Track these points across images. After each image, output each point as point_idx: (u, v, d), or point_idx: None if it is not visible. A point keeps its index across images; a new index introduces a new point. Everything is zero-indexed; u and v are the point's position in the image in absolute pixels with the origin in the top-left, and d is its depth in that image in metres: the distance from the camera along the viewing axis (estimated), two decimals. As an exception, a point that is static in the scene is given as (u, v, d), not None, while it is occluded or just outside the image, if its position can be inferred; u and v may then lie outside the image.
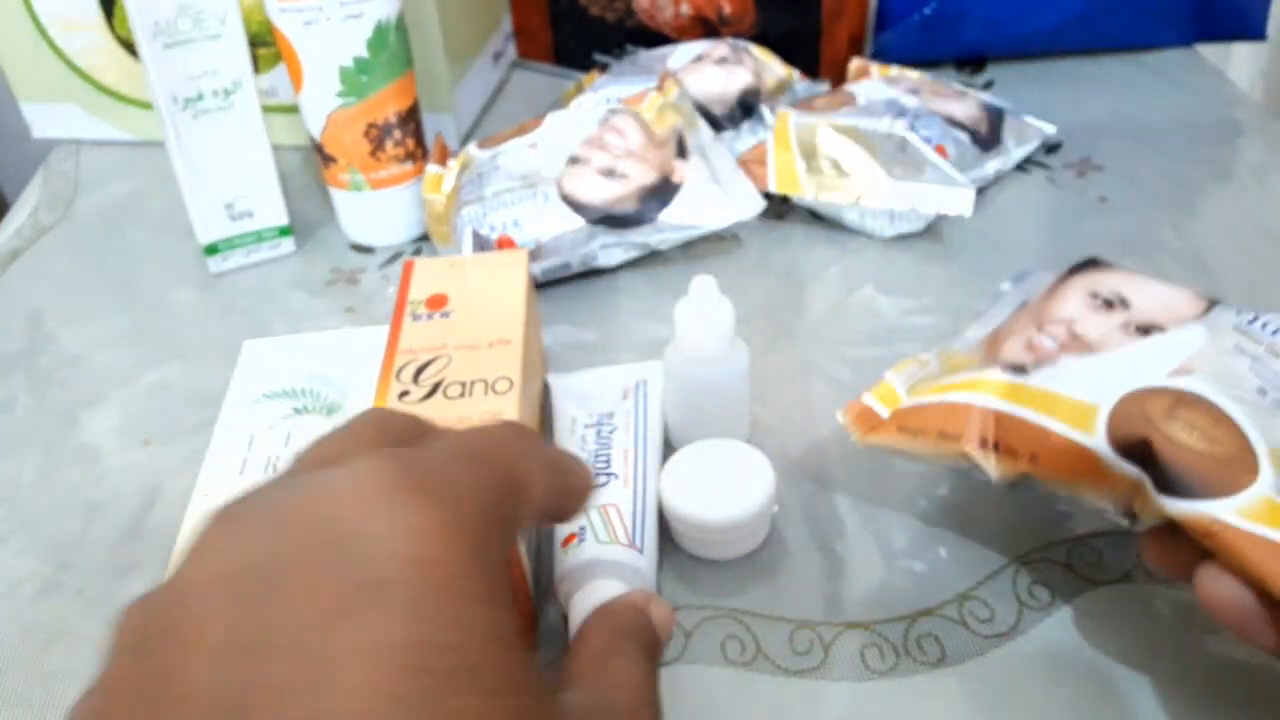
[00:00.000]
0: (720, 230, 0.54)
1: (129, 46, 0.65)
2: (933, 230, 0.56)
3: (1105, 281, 0.38)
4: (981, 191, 0.59)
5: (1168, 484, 0.31)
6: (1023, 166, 0.61)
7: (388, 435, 0.23)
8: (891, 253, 0.55)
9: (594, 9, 0.70)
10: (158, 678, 0.18)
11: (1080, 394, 0.33)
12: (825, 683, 0.35)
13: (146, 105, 0.67)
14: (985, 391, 0.35)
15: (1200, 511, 0.30)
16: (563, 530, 0.38)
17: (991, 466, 0.35)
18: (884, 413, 0.37)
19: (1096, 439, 0.32)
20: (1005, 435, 0.34)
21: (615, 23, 0.70)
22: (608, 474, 0.40)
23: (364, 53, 0.52)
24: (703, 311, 0.40)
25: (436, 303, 0.43)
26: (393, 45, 0.53)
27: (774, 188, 0.55)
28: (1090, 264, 0.40)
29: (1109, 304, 0.36)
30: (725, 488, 0.38)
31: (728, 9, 0.67)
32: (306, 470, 0.22)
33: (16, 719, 0.36)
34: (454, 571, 0.18)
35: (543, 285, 0.54)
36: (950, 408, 0.36)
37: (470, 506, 0.20)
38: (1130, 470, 0.32)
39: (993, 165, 0.58)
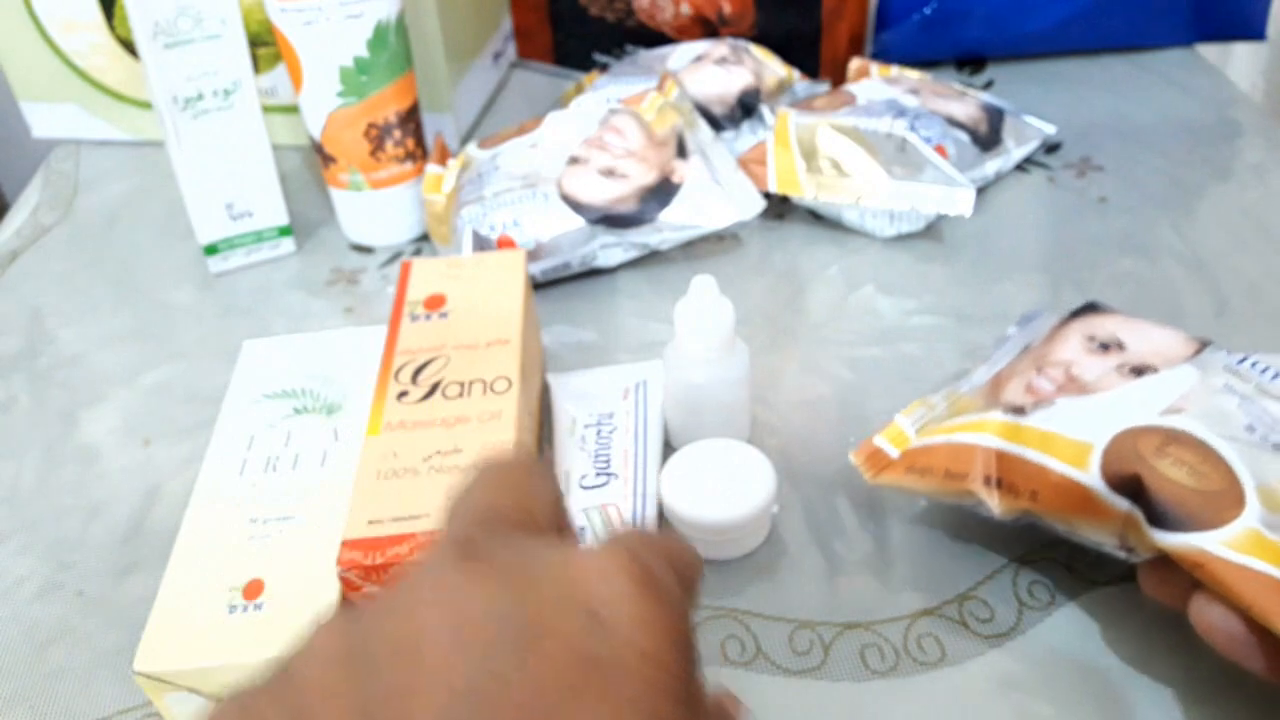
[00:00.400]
0: (720, 230, 0.54)
1: (129, 46, 0.65)
2: (933, 230, 0.56)
3: (1103, 325, 0.39)
4: (981, 191, 0.59)
5: (1158, 518, 0.32)
6: (1023, 167, 0.61)
7: (548, 511, 0.25)
8: (891, 253, 0.55)
9: (594, 9, 0.70)
10: (381, 702, 0.18)
11: (1076, 433, 0.35)
12: (825, 683, 0.35)
13: (146, 105, 0.67)
14: (987, 432, 0.36)
15: (1189, 544, 0.31)
16: None
17: (995, 503, 0.36)
18: (894, 453, 0.39)
19: (1091, 475, 0.33)
20: (1007, 473, 0.36)
21: (615, 23, 0.70)
22: (608, 474, 0.40)
23: (364, 53, 0.52)
24: (703, 311, 0.40)
25: (434, 303, 0.43)
26: (393, 45, 0.53)
27: (774, 188, 0.55)
28: (1089, 309, 0.41)
29: (1105, 347, 0.38)
30: (725, 488, 0.38)
31: (727, 9, 0.67)
32: (475, 522, 0.23)
33: (17, 719, 0.36)
34: (672, 670, 0.20)
35: (542, 285, 0.54)
36: (955, 448, 0.37)
37: (681, 609, 0.22)
38: (1123, 505, 0.33)
39: (992, 165, 0.58)
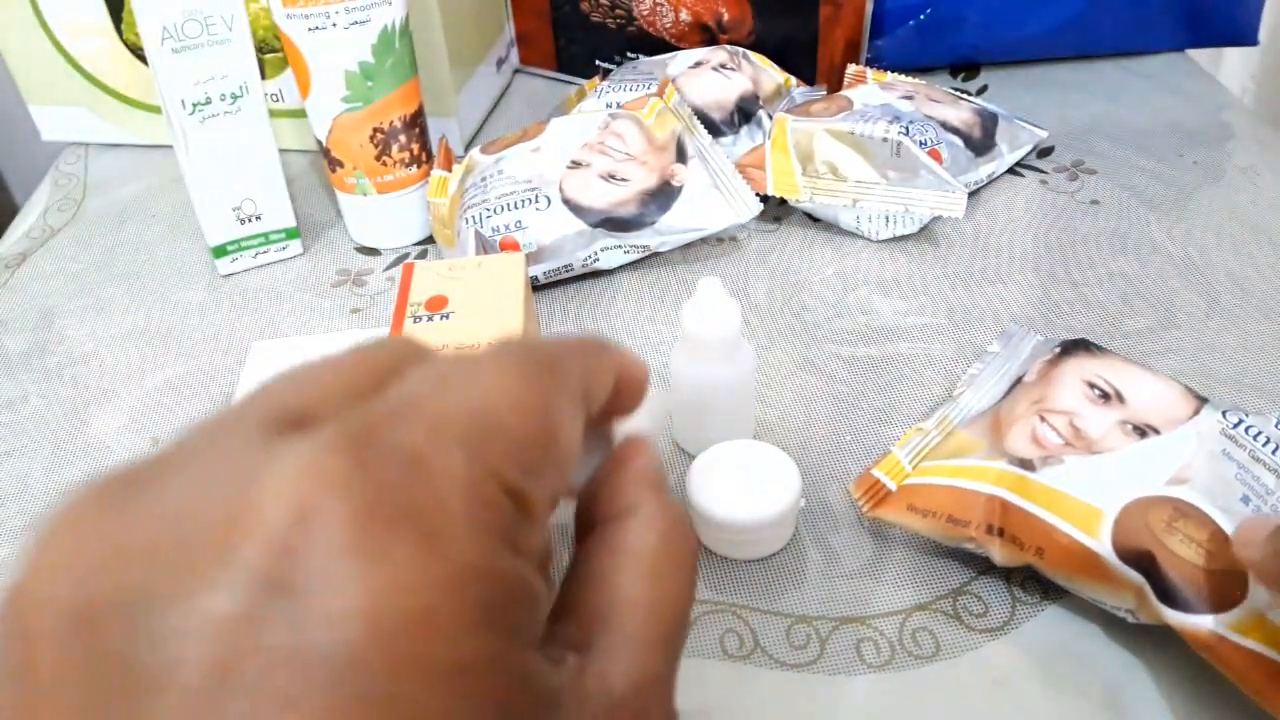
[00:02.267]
0: (719, 233, 0.55)
1: (137, 52, 0.65)
2: (927, 232, 0.57)
3: (1099, 370, 0.40)
4: (975, 195, 0.60)
5: (1169, 595, 0.32)
6: (1016, 170, 0.62)
7: (369, 380, 0.16)
8: (887, 254, 0.56)
9: (595, 16, 0.71)
10: None
11: (1085, 496, 0.35)
12: (821, 676, 0.36)
13: (154, 109, 0.68)
14: (993, 483, 0.37)
15: (1199, 625, 0.32)
16: None
17: (997, 553, 0.36)
18: (892, 485, 0.39)
19: (1102, 544, 0.34)
20: (1012, 526, 0.36)
21: (616, 30, 0.71)
22: None
23: (369, 58, 0.53)
24: (711, 312, 0.40)
25: (436, 304, 0.44)
26: (398, 51, 0.54)
27: (772, 191, 0.56)
28: (1081, 346, 0.41)
29: (1106, 396, 0.38)
30: (755, 486, 0.39)
31: (726, 16, 0.68)
32: (252, 426, 0.15)
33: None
34: (450, 640, 0.12)
35: (544, 286, 0.55)
36: (959, 494, 0.37)
37: (480, 521, 0.13)
38: (1134, 576, 0.33)
39: (986, 169, 0.59)
